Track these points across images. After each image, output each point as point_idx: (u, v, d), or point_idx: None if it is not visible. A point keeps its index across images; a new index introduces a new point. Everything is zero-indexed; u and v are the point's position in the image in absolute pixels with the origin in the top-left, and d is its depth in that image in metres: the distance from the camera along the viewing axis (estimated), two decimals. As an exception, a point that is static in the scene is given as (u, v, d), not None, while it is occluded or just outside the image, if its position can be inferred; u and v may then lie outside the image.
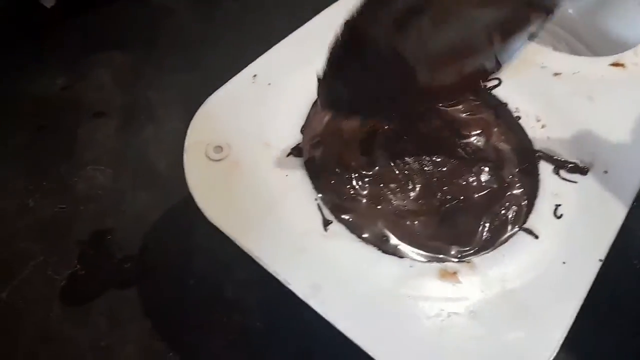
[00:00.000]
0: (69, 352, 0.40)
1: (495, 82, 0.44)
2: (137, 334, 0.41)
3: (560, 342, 0.32)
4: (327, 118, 0.41)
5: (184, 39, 0.59)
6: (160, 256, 0.45)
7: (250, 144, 0.38)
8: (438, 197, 0.39)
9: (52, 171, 0.48)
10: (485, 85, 0.44)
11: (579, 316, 0.33)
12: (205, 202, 0.35)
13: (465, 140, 0.42)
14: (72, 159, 0.48)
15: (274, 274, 0.33)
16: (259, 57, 0.42)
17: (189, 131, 0.38)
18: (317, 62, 0.42)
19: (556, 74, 0.45)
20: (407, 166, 0.40)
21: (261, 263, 0.33)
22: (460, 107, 0.44)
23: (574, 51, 0.61)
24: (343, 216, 0.36)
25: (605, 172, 0.40)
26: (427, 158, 0.40)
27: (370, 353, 0.31)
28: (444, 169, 0.40)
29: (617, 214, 0.38)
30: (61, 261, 0.43)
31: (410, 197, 0.38)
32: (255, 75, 0.41)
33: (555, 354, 0.32)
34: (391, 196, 0.38)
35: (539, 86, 0.44)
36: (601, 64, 0.47)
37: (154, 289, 0.43)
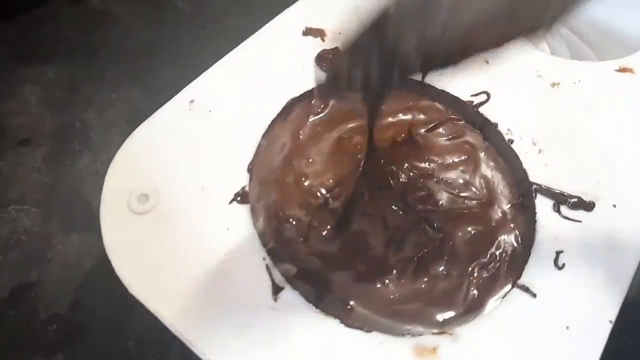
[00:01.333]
0: None
1: (483, 97, 0.37)
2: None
3: None
4: (283, 153, 0.34)
5: (128, 49, 0.51)
6: (94, 314, 0.38)
7: (183, 189, 0.31)
8: (413, 244, 0.32)
9: (-34, 215, 0.41)
10: (471, 102, 0.37)
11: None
12: (125, 269, 0.28)
13: (445, 174, 0.35)
14: (-10, 198, 0.42)
15: (205, 361, 0.27)
16: (198, 78, 0.35)
17: (107, 177, 0.31)
18: (269, 83, 0.36)
19: (554, 84, 0.39)
20: (375, 214, 0.33)
21: (194, 350, 0.27)
22: (440, 129, 0.37)
23: (576, 54, 0.54)
24: (297, 281, 0.29)
25: (614, 205, 0.33)
26: (399, 202, 0.33)
27: None
28: (421, 208, 0.33)
29: (630, 259, 0.32)
30: (-24, 326, 0.37)
31: (379, 250, 0.31)
32: (192, 101, 0.34)
33: None
34: (356, 252, 0.31)
35: (534, 100, 0.37)
36: (606, 69, 0.40)
37: (85, 355, 0.37)
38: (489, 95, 0.37)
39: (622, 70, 0.40)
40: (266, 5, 0.40)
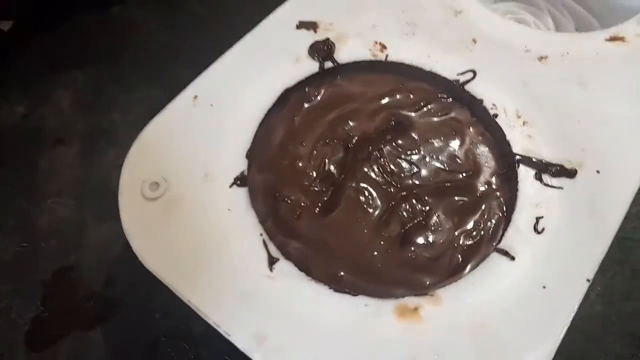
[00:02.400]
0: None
1: (469, 75, 0.39)
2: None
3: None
4: (279, 139, 0.37)
5: (149, 52, 0.55)
6: (124, 291, 0.43)
7: (188, 176, 0.34)
8: (400, 217, 0.34)
9: (12, 208, 0.46)
10: (458, 81, 0.39)
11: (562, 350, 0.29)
12: (142, 248, 0.32)
13: (433, 150, 0.37)
14: (32, 193, 0.47)
15: (214, 326, 0.30)
16: (200, 76, 0.38)
17: (123, 168, 0.35)
18: (265, 76, 0.39)
19: (542, 58, 0.40)
20: (365, 189, 0.35)
21: (201, 314, 0.31)
22: (430, 106, 0.39)
23: (582, 25, 0.54)
24: (291, 252, 0.33)
25: (598, 172, 0.35)
26: (388, 178, 0.36)
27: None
28: (409, 184, 0.36)
29: (610, 221, 0.33)
30: (25, 304, 0.42)
31: (368, 223, 0.34)
32: (196, 97, 0.37)
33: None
34: (347, 224, 0.34)
35: (521, 75, 0.39)
36: (596, 40, 0.41)
37: (119, 326, 0.42)
38: (475, 73, 0.39)
39: (613, 39, 0.41)
40: (277, 4, 0.42)
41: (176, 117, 0.37)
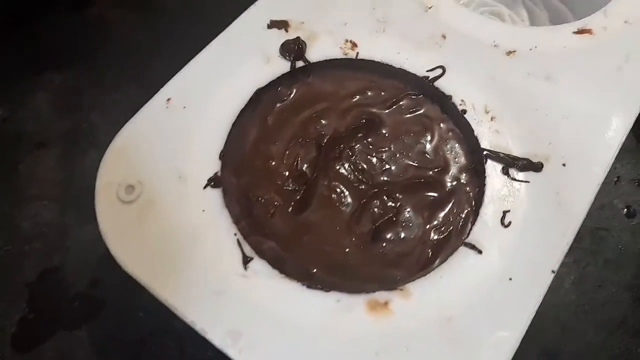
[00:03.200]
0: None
1: (439, 71, 0.39)
2: (89, 375, 0.41)
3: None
4: (252, 139, 0.38)
5: (127, 51, 0.55)
6: (109, 291, 0.44)
7: (163, 179, 0.35)
8: (371, 214, 0.35)
9: (-5, 212, 0.47)
10: (428, 77, 0.39)
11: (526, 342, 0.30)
12: (119, 251, 0.33)
13: (404, 147, 0.38)
14: (14, 196, 0.47)
15: (191, 325, 0.31)
16: (173, 78, 0.38)
17: (98, 172, 0.35)
18: (237, 76, 0.39)
19: (510, 52, 0.40)
20: (337, 187, 0.36)
21: (177, 313, 0.32)
22: (401, 103, 0.39)
23: (556, 18, 0.54)
24: (265, 251, 0.33)
25: (564, 165, 0.36)
26: (360, 176, 0.37)
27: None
28: (380, 181, 0.37)
29: (575, 213, 0.34)
30: (10, 306, 0.43)
31: (340, 220, 0.35)
32: (169, 99, 0.38)
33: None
34: (319, 222, 0.35)
35: (489, 70, 0.39)
36: (564, 33, 0.42)
37: (104, 325, 0.43)
38: (444, 69, 0.39)
39: (581, 32, 0.42)
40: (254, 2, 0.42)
41: (150, 121, 0.37)
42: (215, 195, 0.35)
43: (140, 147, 0.36)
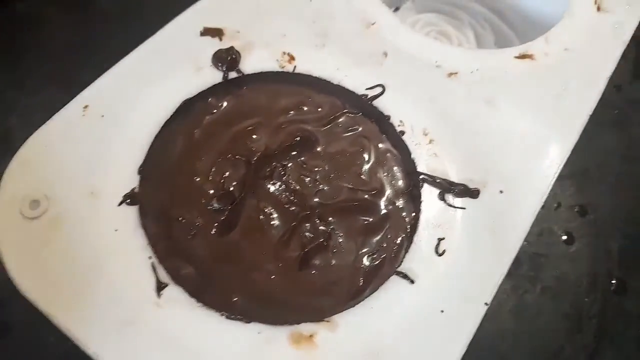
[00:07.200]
0: None
1: (379, 90, 0.38)
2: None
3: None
4: (176, 153, 0.35)
5: (53, 52, 0.52)
6: (16, 314, 0.40)
7: (73, 194, 0.32)
8: (301, 238, 0.33)
9: None
10: (367, 95, 0.38)
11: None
12: (17, 272, 0.30)
13: (339, 167, 0.36)
14: None
15: (93, 357, 0.28)
16: (92, 84, 0.35)
17: (1, 183, 0.32)
18: (162, 85, 0.36)
19: (451, 74, 0.39)
20: (266, 208, 0.34)
21: (79, 345, 0.28)
22: (338, 121, 0.38)
23: (501, 40, 0.54)
24: (183, 276, 0.31)
25: (501, 191, 0.35)
26: (291, 197, 0.34)
27: None
28: (312, 203, 0.34)
29: (510, 242, 0.33)
30: None
31: (267, 244, 0.33)
32: (86, 107, 0.35)
33: None
34: (244, 246, 0.32)
35: (430, 91, 0.38)
36: (505, 57, 0.41)
37: (7, 352, 0.38)
38: (384, 88, 0.38)
39: (522, 57, 0.41)
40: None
41: (62, 129, 0.34)
42: (130, 214, 0.32)
43: (50, 158, 0.33)
